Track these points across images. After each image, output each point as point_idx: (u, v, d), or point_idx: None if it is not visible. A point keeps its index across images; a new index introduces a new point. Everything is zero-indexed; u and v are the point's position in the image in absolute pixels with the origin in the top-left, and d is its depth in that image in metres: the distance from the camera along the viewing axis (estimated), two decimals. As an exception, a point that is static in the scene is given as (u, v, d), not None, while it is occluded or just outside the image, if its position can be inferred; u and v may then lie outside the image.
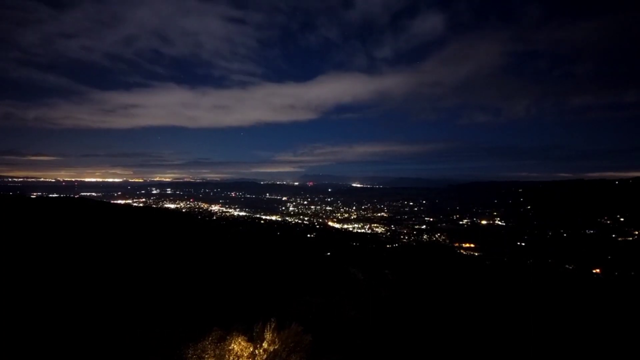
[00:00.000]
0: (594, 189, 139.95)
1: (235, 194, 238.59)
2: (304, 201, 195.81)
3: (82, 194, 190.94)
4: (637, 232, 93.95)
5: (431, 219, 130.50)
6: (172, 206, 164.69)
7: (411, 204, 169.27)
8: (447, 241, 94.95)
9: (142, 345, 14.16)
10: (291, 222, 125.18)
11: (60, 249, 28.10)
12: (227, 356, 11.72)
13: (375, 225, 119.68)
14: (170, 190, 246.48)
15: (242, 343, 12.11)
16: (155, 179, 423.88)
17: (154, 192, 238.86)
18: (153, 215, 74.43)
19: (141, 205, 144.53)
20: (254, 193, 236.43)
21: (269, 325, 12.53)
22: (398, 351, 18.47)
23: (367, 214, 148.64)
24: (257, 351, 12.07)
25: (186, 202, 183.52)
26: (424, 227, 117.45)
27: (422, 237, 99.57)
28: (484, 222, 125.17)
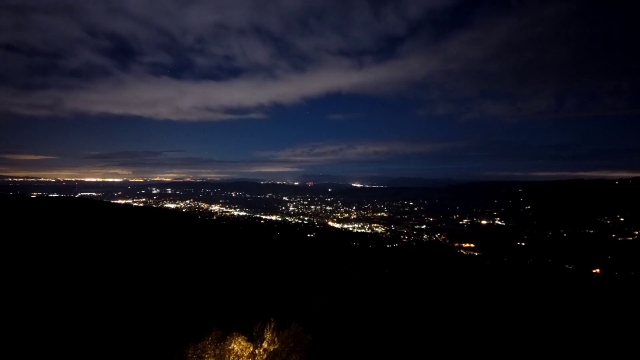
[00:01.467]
0: (594, 189, 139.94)
1: (235, 194, 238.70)
2: (304, 201, 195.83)
3: (82, 193, 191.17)
4: (637, 232, 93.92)
5: (431, 219, 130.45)
6: (172, 206, 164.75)
7: (411, 204, 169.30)
8: (447, 241, 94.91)
9: (143, 345, 14.17)
10: (291, 222, 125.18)
11: (61, 248, 28.10)
12: (227, 356, 11.72)
13: (375, 225, 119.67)
14: (171, 190, 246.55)
15: (242, 343, 12.10)
16: (155, 179, 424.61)
17: (154, 192, 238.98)
18: (153, 215, 74.44)
19: (141, 205, 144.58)
20: (254, 193, 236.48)
21: (269, 325, 12.53)
22: (398, 350, 18.46)
23: (367, 214, 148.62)
24: (257, 351, 12.07)
25: (186, 202, 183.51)
26: (424, 227, 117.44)
27: (422, 237, 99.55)
28: (484, 222, 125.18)
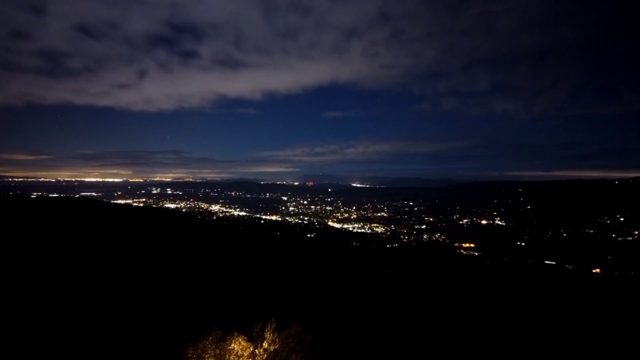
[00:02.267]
0: (594, 189, 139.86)
1: (235, 194, 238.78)
2: (304, 201, 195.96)
3: (82, 193, 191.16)
4: (637, 232, 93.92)
5: (431, 219, 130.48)
6: (172, 206, 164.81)
7: (411, 204, 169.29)
8: (447, 241, 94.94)
9: (143, 345, 14.17)
10: (291, 222, 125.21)
11: (61, 248, 28.09)
12: (227, 356, 11.72)
13: (375, 225, 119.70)
14: (171, 190, 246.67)
15: (242, 343, 12.11)
16: (155, 179, 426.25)
17: (154, 192, 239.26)
18: (153, 215, 74.45)
19: (141, 205, 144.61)
20: (254, 193, 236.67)
21: (269, 325, 12.53)
22: (398, 350, 18.46)
23: (367, 214, 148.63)
24: (257, 351, 12.07)
25: (186, 202, 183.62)
26: (424, 227, 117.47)
27: (422, 237, 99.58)
28: (484, 222, 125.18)
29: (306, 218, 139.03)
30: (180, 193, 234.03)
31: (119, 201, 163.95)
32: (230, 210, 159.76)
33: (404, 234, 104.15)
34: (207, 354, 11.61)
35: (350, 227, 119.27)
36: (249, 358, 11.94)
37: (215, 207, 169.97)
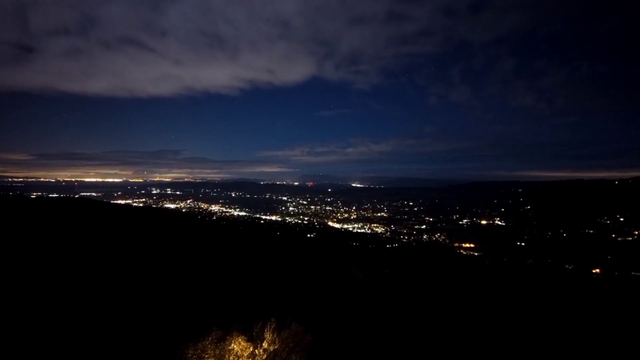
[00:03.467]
0: (594, 189, 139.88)
1: (235, 194, 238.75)
2: (304, 201, 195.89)
3: (82, 194, 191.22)
4: (637, 232, 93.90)
5: (431, 219, 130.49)
6: (172, 206, 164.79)
7: (411, 204, 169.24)
8: (447, 241, 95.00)
9: (143, 345, 14.16)
10: (291, 222, 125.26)
11: (60, 249, 28.09)
12: (227, 356, 11.72)
13: (375, 225, 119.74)
14: (170, 190, 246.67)
15: (242, 343, 12.11)
16: (155, 179, 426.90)
17: (154, 192, 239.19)
18: (153, 215, 74.43)
19: (141, 205, 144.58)
20: (254, 193, 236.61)
21: (269, 325, 12.53)
22: (398, 350, 18.46)
23: (367, 214, 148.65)
24: (257, 351, 12.07)
25: (186, 202, 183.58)
26: (423, 227, 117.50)
27: (422, 237, 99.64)
28: (484, 222, 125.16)
29: (306, 218, 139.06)
30: (180, 193, 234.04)
31: (119, 201, 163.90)
32: (230, 211, 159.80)
33: (404, 234, 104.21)
34: (206, 354, 11.60)
35: (350, 227, 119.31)
36: (249, 358, 11.94)
37: (215, 207, 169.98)
